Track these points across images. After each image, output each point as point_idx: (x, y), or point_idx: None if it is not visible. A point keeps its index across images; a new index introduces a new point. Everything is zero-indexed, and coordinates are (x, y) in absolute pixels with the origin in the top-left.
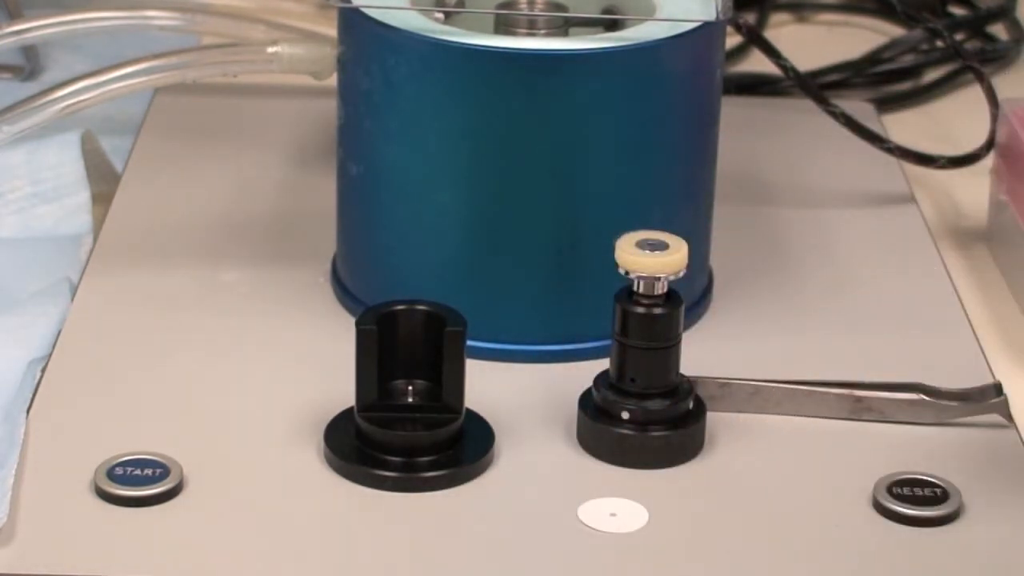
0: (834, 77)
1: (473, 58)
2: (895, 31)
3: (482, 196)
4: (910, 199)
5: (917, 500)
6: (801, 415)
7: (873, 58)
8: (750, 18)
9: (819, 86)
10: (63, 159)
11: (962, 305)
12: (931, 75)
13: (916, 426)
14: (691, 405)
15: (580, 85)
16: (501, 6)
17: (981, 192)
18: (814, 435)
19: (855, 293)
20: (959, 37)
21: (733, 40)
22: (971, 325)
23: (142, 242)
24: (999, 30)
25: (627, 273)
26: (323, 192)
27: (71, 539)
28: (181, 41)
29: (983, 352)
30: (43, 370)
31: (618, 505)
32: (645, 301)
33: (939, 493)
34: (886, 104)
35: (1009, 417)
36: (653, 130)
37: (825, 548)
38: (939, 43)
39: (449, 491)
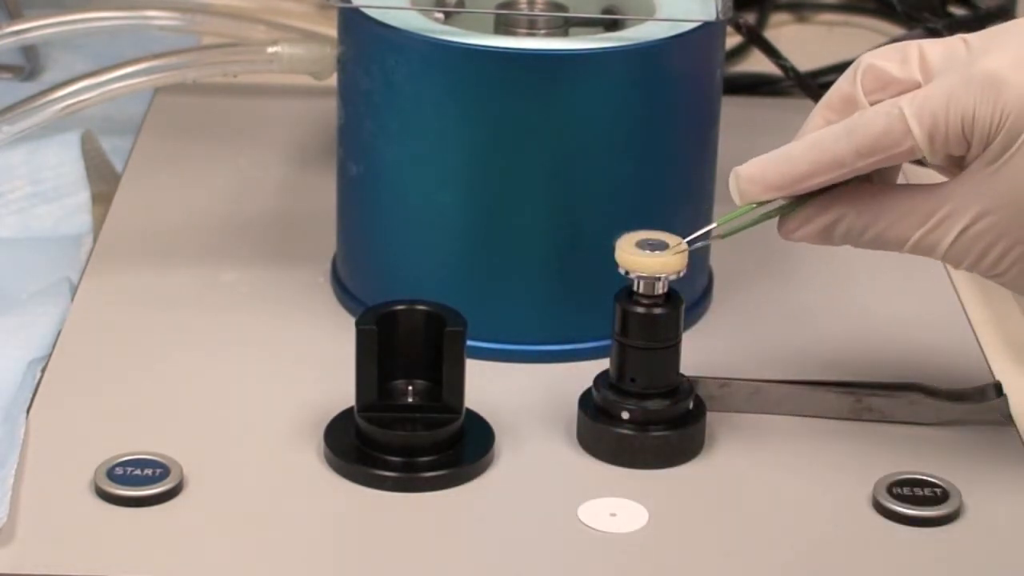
0: (834, 77)
1: (473, 58)
2: (895, 31)
3: (482, 196)
4: None
5: (917, 500)
6: (801, 415)
7: None
8: (750, 18)
9: (819, 86)
10: (63, 159)
11: (962, 305)
12: None
13: (916, 426)
14: (691, 405)
15: (580, 85)
16: (501, 6)
17: None
18: (814, 435)
19: (855, 293)
20: None
21: (733, 40)
22: (971, 325)
23: (142, 242)
24: None
25: (627, 273)
26: (323, 192)
27: (71, 539)
28: (181, 41)
29: (983, 352)
30: (43, 370)
31: (618, 505)
32: (645, 301)
33: (939, 493)
34: None
35: (1009, 417)
36: (653, 130)
37: (825, 548)
38: None
39: (449, 491)
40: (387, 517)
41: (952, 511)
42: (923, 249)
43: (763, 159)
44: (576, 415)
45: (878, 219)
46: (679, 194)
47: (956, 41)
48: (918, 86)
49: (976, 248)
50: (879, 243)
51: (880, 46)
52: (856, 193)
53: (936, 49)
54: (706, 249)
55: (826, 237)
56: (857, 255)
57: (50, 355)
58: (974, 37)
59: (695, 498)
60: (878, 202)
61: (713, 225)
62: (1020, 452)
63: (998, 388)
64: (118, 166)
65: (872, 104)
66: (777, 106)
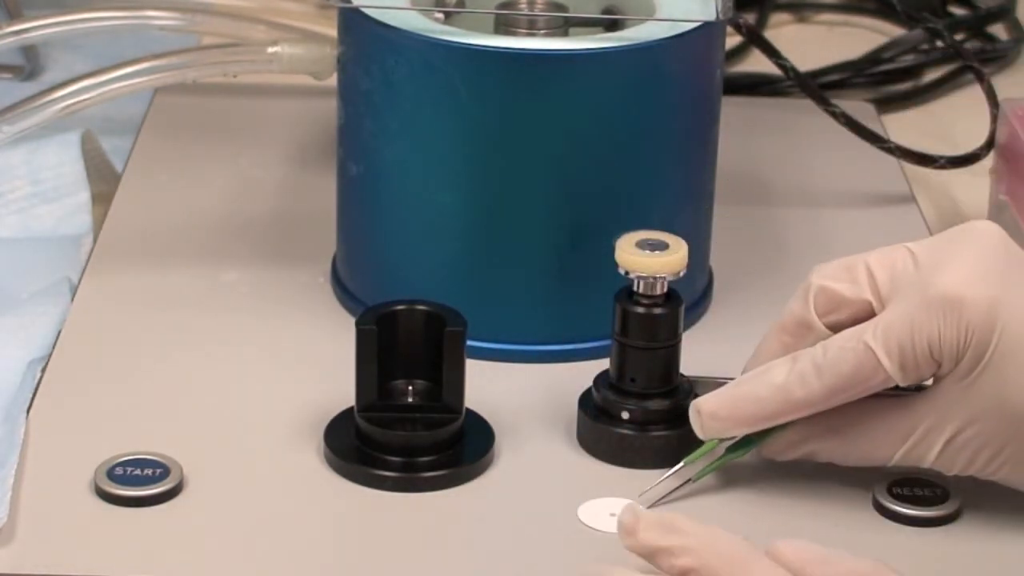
0: (834, 77)
1: (473, 58)
2: (895, 31)
3: (482, 196)
4: (910, 199)
5: (917, 500)
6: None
7: (873, 58)
8: (750, 18)
9: (819, 86)
10: (63, 159)
11: None
12: (931, 75)
13: None
14: None
15: (580, 85)
16: (501, 6)
17: (981, 192)
18: None
19: None
20: (959, 37)
21: (733, 40)
22: None
23: (142, 242)
24: (999, 30)
25: (627, 273)
26: (323, 192)
27: (71, 539)
28: (181, 41)
29: None
30: (43, 370)
31: (618, 505)
32: (645, 301)
33: (939, 493)
34: (886, 104)
35: None
36: (653, 130)
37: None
38: (939, 43)
39: (449, 491)
40: (387, 517)
41: (952, 511)
42: (910, 462)
43: (727, 395)
44: (576, 415)
45: (859, 443)
46: (679, 194)
47: (902, 254)
48: (869, 305)
49: (962, 457)
50: (864, 463)
51: (881, 46)
52: (832, 419)
53: (884, 264)
54: (706, 249)
55: (810, 459)
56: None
57: (50, 355)
58: (920, 249)
59: (695, 498)
60: (855, 426)
61: (680, 465)
62: None
63: None
64: (118, 166)
65: (827, 325)
66: (777, 106)
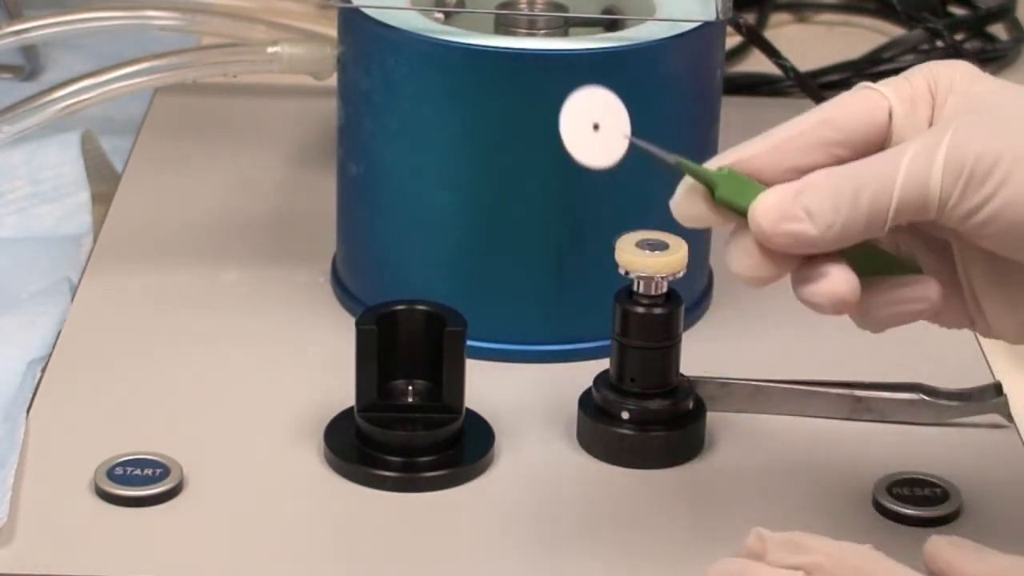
0: (834, 77)
1: (473, 58)
2: (895, 31)
3: (482, 196)
4: None
5: (917, 500)
6: (801, 415)
7: (873, 58)
8: (750, 18)
9: (819, 86)
10: (63, 159)
11: None
12: None
13: (916, 426)
14: (691, 405)
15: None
16: (501, 6)
17: None
18: (814, 435)
19: None
20: (959, 37)
21: (733, 40)
22: None
23: (142, 242)
24: (999, 30)
25: (627, 273)
26: (323, 192)
27: (71, 539)
28: (181, 41)
29: (983, 352)
30: (43, 370)
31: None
32: (645, 301)
33: (939, 493)
34: None
35: (1009, 417)
36: (653, 130)
37: None
38: (939, 43)
39: (449, 491)
40: (387, 517)
41: (952, 511)
42: (915, 183)
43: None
44: (576, 415)
45: (858, 163)
46: None
47: None
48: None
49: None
50: (865, 189)
51: (881, 46)
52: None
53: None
54: (706, 249)
55: (801, 219)
56: None
57: (50, 355)
58: None
59: (695, 498)
60: (858, 144)
61: (679, 160)
62: (1020, 452)
63: (998, 388)
64: (118, 166)
65: None
66: (777, 106)
